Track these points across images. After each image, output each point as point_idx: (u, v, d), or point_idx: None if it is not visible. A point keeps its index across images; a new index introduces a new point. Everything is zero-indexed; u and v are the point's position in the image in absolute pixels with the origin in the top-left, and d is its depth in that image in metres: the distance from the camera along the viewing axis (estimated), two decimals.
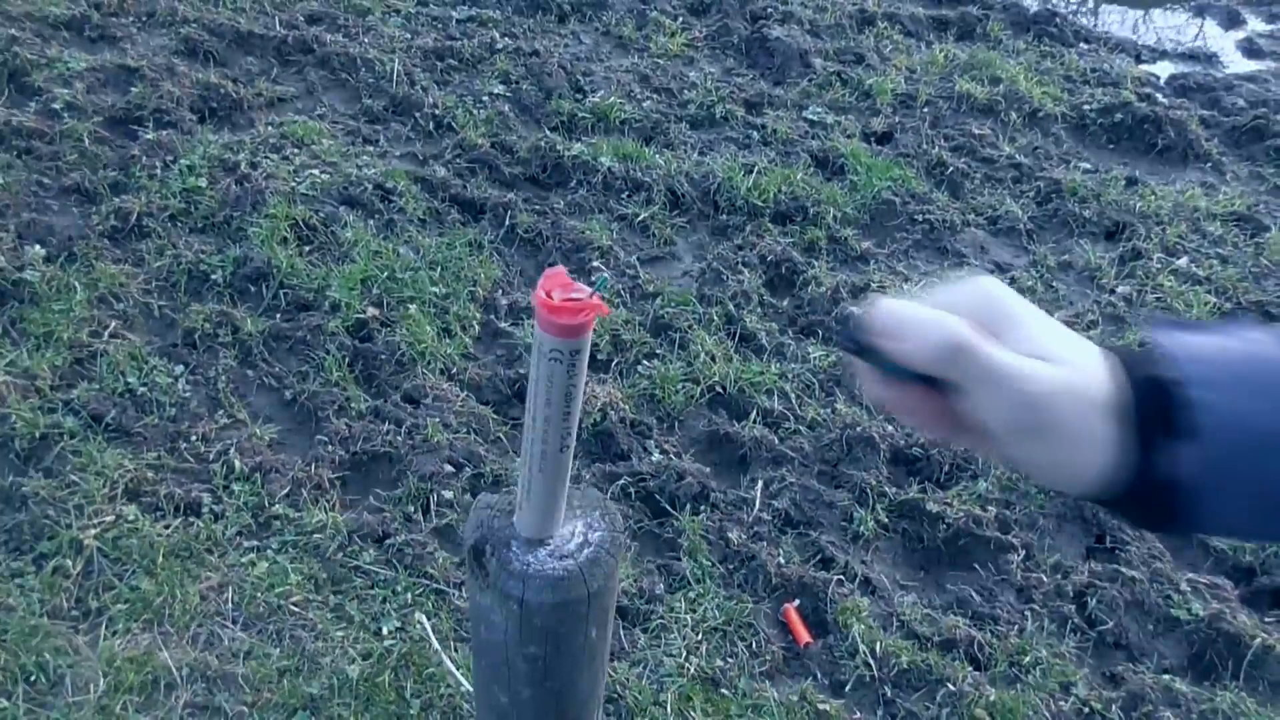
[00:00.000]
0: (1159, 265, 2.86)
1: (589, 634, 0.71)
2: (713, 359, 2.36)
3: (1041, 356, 0.45)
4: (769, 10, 3.92)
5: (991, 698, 1.76)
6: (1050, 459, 0.45)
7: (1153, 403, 0.44)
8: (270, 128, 2.94)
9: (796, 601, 1.88)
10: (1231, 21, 4.54)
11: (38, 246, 2.41)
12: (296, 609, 1.78)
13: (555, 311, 0.56)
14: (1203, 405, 0.43)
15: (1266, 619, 1.95)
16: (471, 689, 1.54)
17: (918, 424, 0.50)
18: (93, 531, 1.83)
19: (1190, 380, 0.44)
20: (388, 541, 1.90)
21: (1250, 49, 4.29)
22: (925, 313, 0.45)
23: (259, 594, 1.79)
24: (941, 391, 0.46)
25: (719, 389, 2.30)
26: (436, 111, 3.10)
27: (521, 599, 0.67)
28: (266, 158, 2.80)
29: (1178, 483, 0.44)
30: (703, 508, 2.03)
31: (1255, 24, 4.54)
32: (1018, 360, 0.44)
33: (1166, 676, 1.84)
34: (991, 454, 0.48)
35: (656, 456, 2.12)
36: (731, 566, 1.95)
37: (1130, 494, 0.45)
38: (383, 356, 2.27)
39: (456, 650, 1.73)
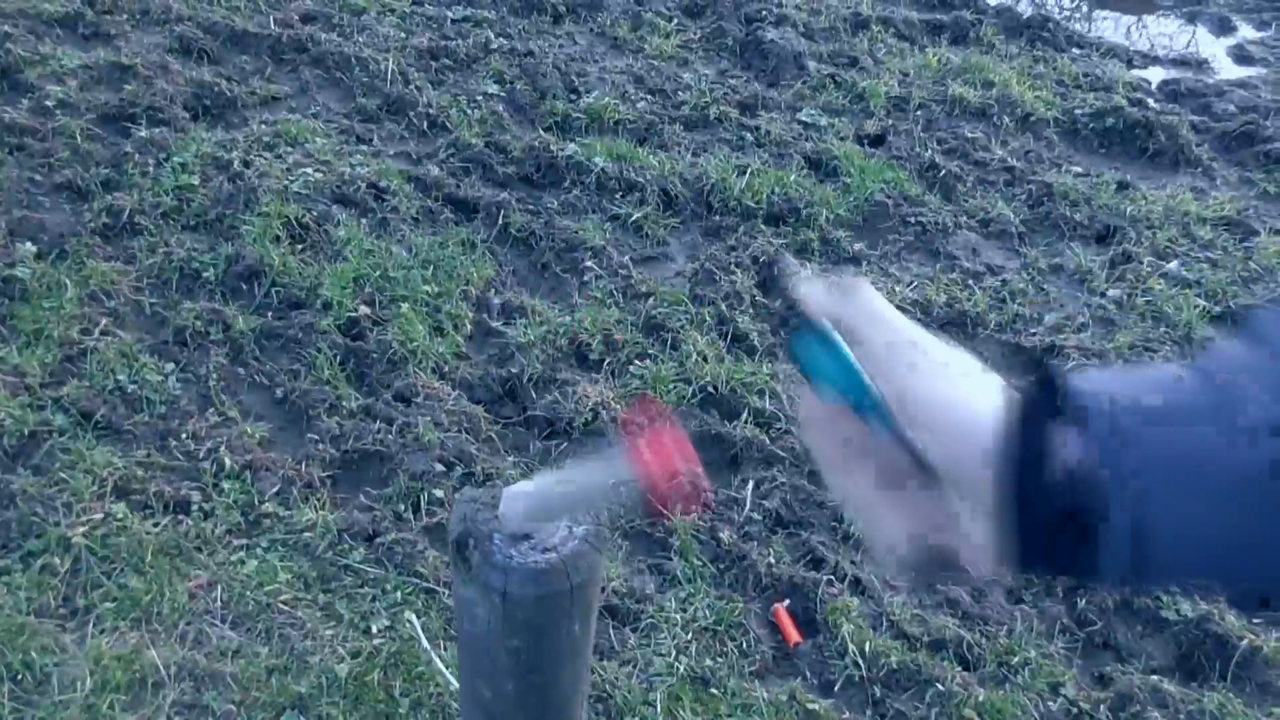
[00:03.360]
0: (1149, 269, 2.87)
1: (572, 628, 0.71)
2: (705, 359, 2.36)
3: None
4: (764, 13, 3.93)
5: (980, 698, 1.76)
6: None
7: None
8: (264, 126, 2.93)
9: (787, 601, 1.89)
10: (1222, 28, 4.57)
11: (29, 243, 2.40)
12: (285, 607, 1.78)
13: (662, 487, 0.53)
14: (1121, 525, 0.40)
15: (1254, 620, 1.96)
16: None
17: (849, 477, 0.47)
18: (81, 529, 1.82)
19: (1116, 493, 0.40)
20: (378, 540, 1.90)
21: (1241, 55, 4.32)
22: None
23: (248, 592, 1.79)
24: (917, 473, 0.44)
25: (711, 389, 2.30)
26: (430, 111, 3.10)
27: (504, 591, 0.67)
28: (260, 156, 2.79)
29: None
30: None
31: (1246, 31, 4.57)
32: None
33: (1155, 677, 1.85)
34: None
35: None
36: (722, 566, 1.95)
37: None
38: (374, 355, 2.27)
39: (446, 649, 1.73)
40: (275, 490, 1.96)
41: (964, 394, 0.44)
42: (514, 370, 2.28)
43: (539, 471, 0.71)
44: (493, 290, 2.52)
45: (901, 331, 0.47)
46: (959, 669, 1.81)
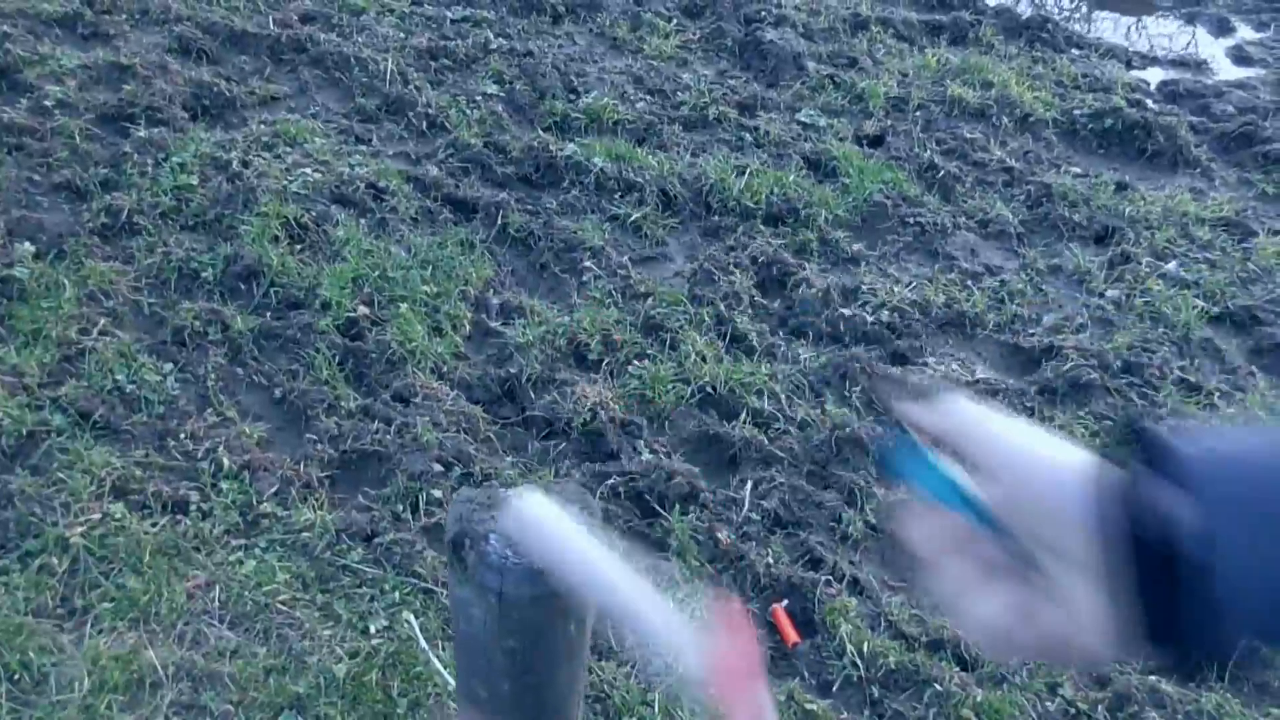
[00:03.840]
0: (1148, 269, 2.87)
1: (568, 628, 0.71)
2: (703, 359, 2.36)
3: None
4: (763, 13, 3.93)
5: (978, 698, 1.76)
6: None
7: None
8: (263, 126, 2.94)
9: (785, 602, 1.89)
10: (1221, 29, 4.57)
11: (27, 243, 2.40)
12: (284, 608, 1.78)
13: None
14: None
15: None
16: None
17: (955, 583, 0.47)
18: (79, 529, 1.82)
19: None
20: (376, 540, 1.90)
21: (1239, 56, 4.32)
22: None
23: (246, 593, 1.79)
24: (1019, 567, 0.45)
25: (709, 389, 2.30)
26: (430, 111, 3.10)
27: (500, 591, 0.67)
28: (259, 156, 2.79)
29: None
30: (692, 508, 2.03)
31: (1245, 32, 4.57)
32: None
33: (1152, 677, 1.85)
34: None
35: (646, 456, 2.13)
36: (720, 566, 1.95)
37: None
38: (373, 355, 2.27)
39: (444, 649, 1.73)
40: (273, 490, 1.96)
41: (1063, 469, 0.44)
42: (512, 370, 2.28)
43: (565, 505, 0.61)
44: (491, 290, 2.52)
45: (999, 432, 0.47)
46: (957, 669, 1.81)
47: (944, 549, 0.48)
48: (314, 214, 2.62)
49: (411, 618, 1.76)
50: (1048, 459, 0.45)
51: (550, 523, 0.61)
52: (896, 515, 0.50)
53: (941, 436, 0.49)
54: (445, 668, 1.67)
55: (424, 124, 3.08)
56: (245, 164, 2.74)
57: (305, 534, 1.89)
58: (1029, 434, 0.47)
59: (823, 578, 1.91)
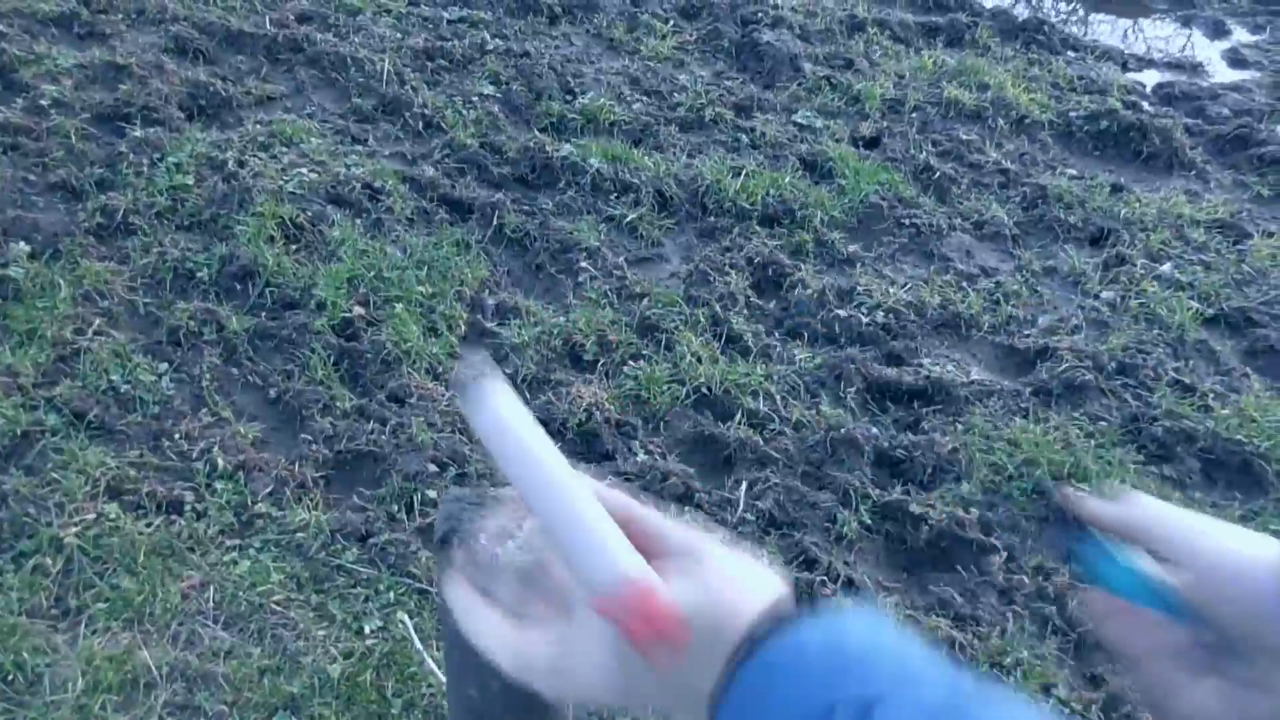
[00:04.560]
0: (1143, 271, 2.88)
1: None
2: (699, 360, 2.37)
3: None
4: (760, 15, 3.94)
5: None
6: None
7: None
8: (259, 126, 2.94)
9: None
10: (1217, 32, 4.58)
11: (22, 243, 2.40)
12: (278, 608, 1.78)
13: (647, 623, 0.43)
14: None
15: None
16: None
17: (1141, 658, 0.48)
18: (73, 530, 1.82)
19: None
20: (371, 541, 1.90)
21: (1235, 59, 4.33)
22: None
23: (240, 593, 1.79)
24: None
25: (704, 390, 2.30)
26: (426, 111, 3.11)
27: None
28: (254, 156, 2.79)
29: None
30: (687, 508, 2.03)
31: (1240, 34, 4.58)
32: None
33: None
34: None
35: (641, 457, 2.13)
36: None
37: None
38: (368, 355, 2.27)
39: (438, 650, 1.73)
40: (268, 490, 1.96)
41: (1257, 561, 0.45)
42: (508, 371, 2.28)
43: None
44: (487, 291, 2.52)
45: (1187, 525, 0.48)
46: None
47: (1143, 647, 0.49)
48: (310, 214, 2.62)
49: (406, 618, 1.76)
50: (1240, 550, 0.46)
51: (504, 416, 0.54)
52: (1092, 616, 0.52)
53: (1127, 532, 0.50)
54: (439, 668, 1.67)
55: (420, 124, 3.08)
56: (241, 164, 2.74)
57: (300, 534, 1.89)
58: (1217, 526, 0.48)
59: (818, 578, 1.92)
